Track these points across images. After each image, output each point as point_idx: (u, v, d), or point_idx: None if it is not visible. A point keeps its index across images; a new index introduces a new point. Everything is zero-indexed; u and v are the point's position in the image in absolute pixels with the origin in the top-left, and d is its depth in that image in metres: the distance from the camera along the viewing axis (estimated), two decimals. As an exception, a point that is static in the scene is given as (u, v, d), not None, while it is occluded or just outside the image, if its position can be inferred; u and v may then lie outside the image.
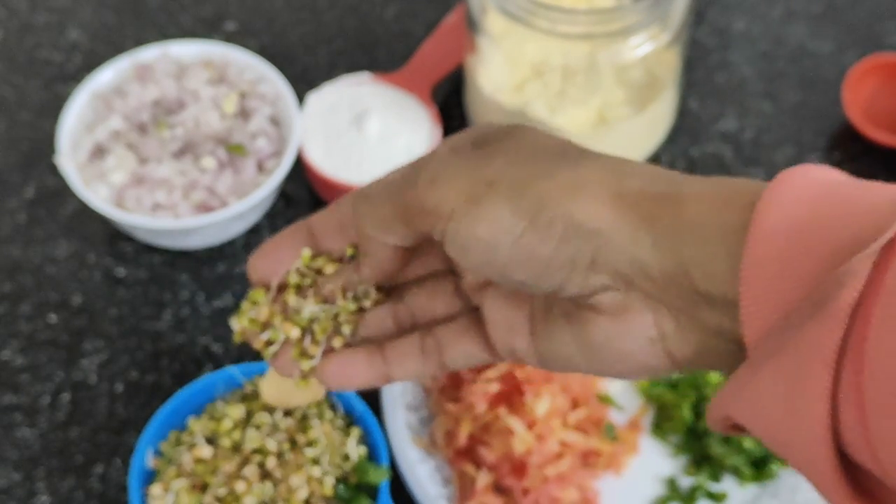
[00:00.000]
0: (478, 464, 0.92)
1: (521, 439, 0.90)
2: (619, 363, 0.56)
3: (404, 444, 0.93)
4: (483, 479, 0.91)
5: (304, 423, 0.89)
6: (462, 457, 0.93)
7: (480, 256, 0.56)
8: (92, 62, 1.18)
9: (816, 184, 0.51)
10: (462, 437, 0.92)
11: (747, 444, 0.93)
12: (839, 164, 1.12)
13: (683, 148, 1.13)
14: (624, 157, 0.57)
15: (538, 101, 1.02)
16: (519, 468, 0.91)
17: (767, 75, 1.18)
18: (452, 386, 0.96)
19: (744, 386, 0.50)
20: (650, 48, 1.00)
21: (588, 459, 0.94)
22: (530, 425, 0.91)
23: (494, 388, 0.92)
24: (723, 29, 1.21)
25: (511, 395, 0.93)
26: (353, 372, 0.63)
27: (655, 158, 1.12)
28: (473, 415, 0.92)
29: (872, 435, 0.47)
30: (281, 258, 0.64)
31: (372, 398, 0.97)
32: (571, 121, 1.03)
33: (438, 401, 0.95)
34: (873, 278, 0.47)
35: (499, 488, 0.92)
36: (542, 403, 0.91)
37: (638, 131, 1.05)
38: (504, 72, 1.04)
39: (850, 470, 0.49)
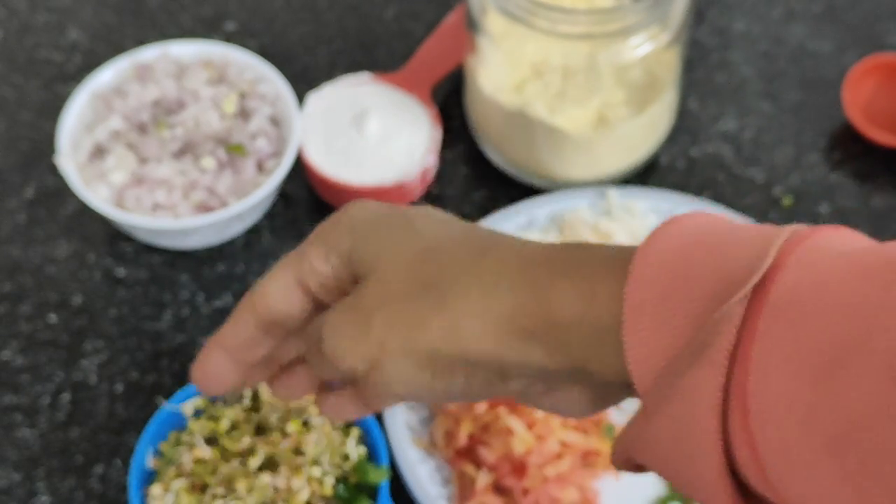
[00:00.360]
0: (478, 464, 0.93)
1: (521, 439, 0.90)
2: (570, 415, 0.60)
3: (404, 444, 0.94)
4: (483, 479, 0.91)
5: (304, 423, 0.90)
6: (462, 457, 0.93)
7: (407, 398, 0.61)
8: (92, 62, 1.18)
9: (689, 232, 0.53)
10: (462, 437, 0.92)
11: None
12: (839, 164, 1.12)
13: (683, 148, 1.13)
14: (484, 239, 0.59)
15: (538, 102, 1.02)
16: (519, 468, 0.91)
17: (767, 75, 1.18)
18: None
19: (640, 432, 0.53)
20: (650, 48, 1.00)
21: (588, 459, 0.94)
22: (530, 425, 0.91)
23: None
24: (723, 29, 1.21)
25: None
26: (346, 412, 0.68)
27: (655, 158, 1.12)
28: (473, 415, 0.92)
29: (768, 472, 0.48)
30: (216, 378, 0.68)
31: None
32: (571, 121, 1.03)
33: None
34: (747, 321, 0.48)
35: (499, 488, 0.92)
36: None
37: (638, 131, 1.05)
38: (504, 72, 1.04)
39: (752, 501, 0.51)
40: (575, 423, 0.93)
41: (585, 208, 1.05)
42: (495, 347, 0.56)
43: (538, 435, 0.91)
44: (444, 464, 0.94)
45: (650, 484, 0.95)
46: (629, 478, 0.95)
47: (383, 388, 0.60)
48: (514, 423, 0.91)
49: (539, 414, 0.91)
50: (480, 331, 0.56)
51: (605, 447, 0.94)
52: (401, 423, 0.95)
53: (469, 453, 0.93)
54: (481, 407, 0.92)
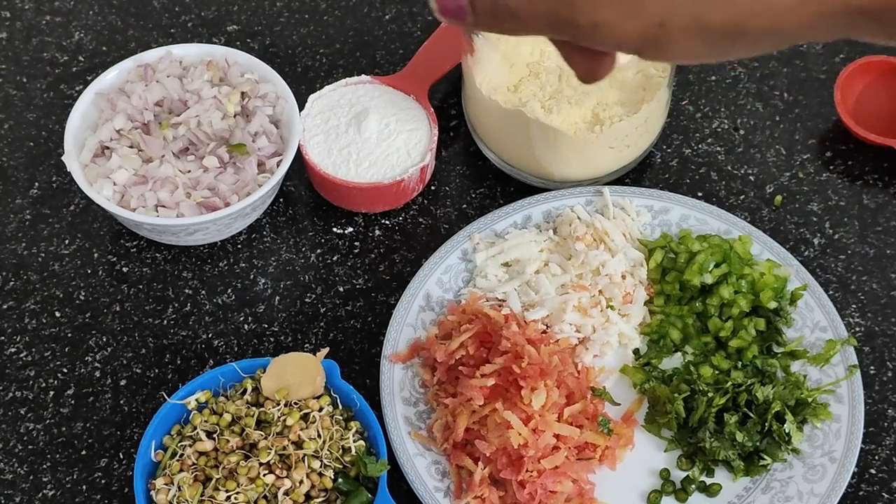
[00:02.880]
0: (475, 457, 0.94)
1: (518, 433, 0.91)
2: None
3: (403, 437, 0.95)
4: (480, 472, 0.92)
5: (304, 417, 0.91)
6: (459, 450, 0.94)
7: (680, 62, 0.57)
8: (96, 63, 1.20)
9: None
10: (459, 431, 0.93)
11: (739, 437, 0.95)
12: (830, 162, 1.13)
13: (676, 147, 1.14)
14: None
15: (534, 102, 1.03)
16: (516, 461, 0.92)
17: (759, 75, 1.19)
18: (450, 381, 0.97)
19: None
20: (644, 49, 1.01)
21: (584, 452, 0.95)
22: (526, 419, 0.93)
23: (490, 382, 0.93)
24: (716, 30, 1.22)
25: (507, 390, 0.94)
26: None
27: (649, 157, 1.13)
28: (471, 409, 0.94)
29: None
30: None
31: (371, 392, 0.98)
32: (567, 120, 1.04)
33: (436, 395, 0.97)
34: None
35: (496, 481, 0.94)
36: (539, 397, 0.92)
37: (632, 131, 1.06)
38: (501, 72, 1.05)
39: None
40: (570, 418, 0.95)
41: (581, 206, 1.06)
42: (816, 22, 0.52)
43: (534, 428, 0.92)
44: (442, 457, 0.95)
45: (644, 477, 0.96)
46: (624, 471, 0.96)
47: (659, 60, 0.55)
48: (511, 417, 0.92)
49: (535, 407, 0.92)
50: (796, 4, 0.52)
51: (600, 440, 0.95)
52: (399, 417, 0.96)
53: (466, 447, 0.94)
54: (478, 401, 0.93)
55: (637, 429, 0.98)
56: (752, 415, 0.96)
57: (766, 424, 0.95)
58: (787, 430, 0.95)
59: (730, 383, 0.97)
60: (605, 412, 0.97)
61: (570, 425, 0.94)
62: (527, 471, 0.92)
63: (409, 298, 1.02)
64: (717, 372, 0.99)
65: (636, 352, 1.01)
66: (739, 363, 0.99)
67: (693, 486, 0.95)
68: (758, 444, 0.95)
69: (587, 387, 0.98)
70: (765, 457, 0.95)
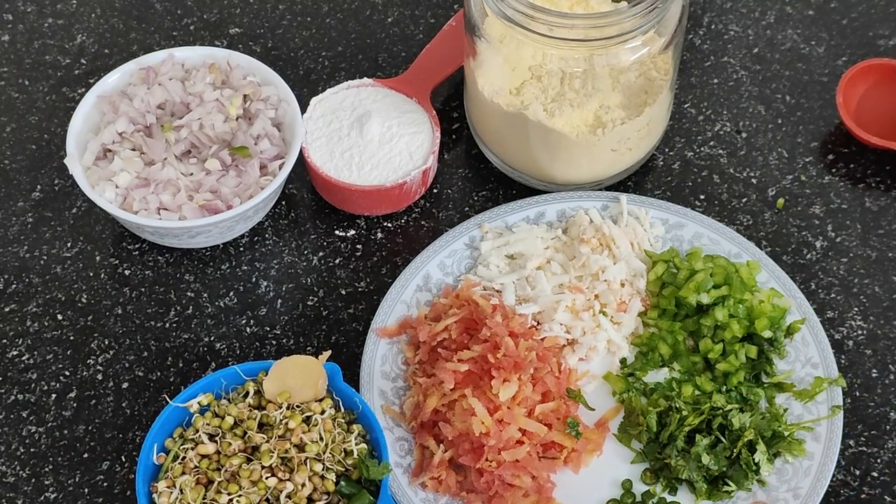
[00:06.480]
0: (439, 439, 0.95)
1: (481, 421, 0.92)
2: None
3: (376, 409, 0.96)
4: (441, 454, 0.93)
5: (306, 420, 0.91)
6: (426, 431, 0.95)
7: None
8: (99, 66, 1.20)
9: None
10: (427, 411, 0.94)
11: (705, 459, 0.94)
12: (832, 165, 1.13)
13: (679, 150, 1.14)
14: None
15: (536, 104, 1.04)
16: (476, 449, 0.93)
17: (761, 78, 1.19)
18: (430, 362, 0.98)
19: None
20: (646, 52, 1.01)
21: (549, 451, 0.95)
22: (493, 409, 0.93)
23: (464, 368, 0.94)
24: (718, 33, 1.22)
25: (480, 378, 0.95)
26: None
27: (651, 160, 1.13)
28: (441, 391, 0.94)
29: None
30: None
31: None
32: (569, 123, 1.04)
33: (414, 374, 0.98)
34: None
35: (457, 466, 0.94)
36: (507, 389, 0.93)
37: (634, 133, 1.06)
38: (503, 75, 1.05)
39: None
40: (541, 416, 0.95)
41: (596, 210, 1.06)
42: None
43: (500, 420, 0.93)
44: (409, 435, 0.96)
45: (606, 486, 0.96)
46: (587, 476, 0.96)
47: None
48: (476, 404, 0.92)
49: (502, 399, 0.93)
50: None
51: (567, 442, 0.95)
52: (375, 388, 0.97)
53: (434, 428, 0.95)
54: (449, 384, 0.94)
55: (609, 437, 0.98)
56: (723, 440, 0.95)
57: (736, 451, 0.95)
58: (756, 460, 0.94)
59: (707, 405, 0.96)
60: (577, 415, 0.97)
61: (538, 422, 0.94)
62: (486, 460, 0.92)
63: (407, 276, 1.03)
64: (698, 392, 0.98)
65: (623, 361, 1.01)
66: (724, 387, 0.99)
67: (653, 501, 0.95)
68: (724, 469, 0.95)
69: (565, 389, 0.98)
70: (730, 483, 0.94)
